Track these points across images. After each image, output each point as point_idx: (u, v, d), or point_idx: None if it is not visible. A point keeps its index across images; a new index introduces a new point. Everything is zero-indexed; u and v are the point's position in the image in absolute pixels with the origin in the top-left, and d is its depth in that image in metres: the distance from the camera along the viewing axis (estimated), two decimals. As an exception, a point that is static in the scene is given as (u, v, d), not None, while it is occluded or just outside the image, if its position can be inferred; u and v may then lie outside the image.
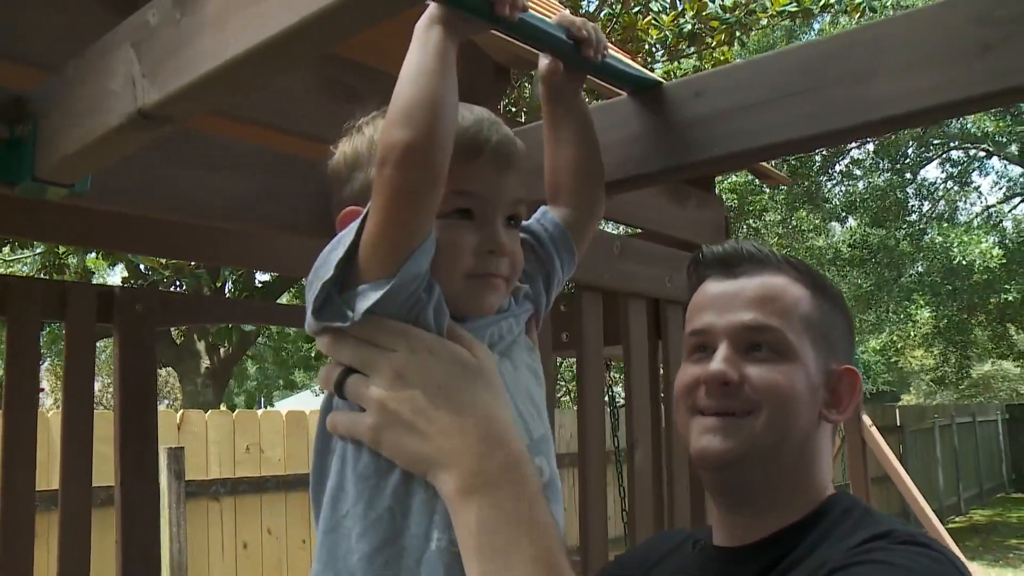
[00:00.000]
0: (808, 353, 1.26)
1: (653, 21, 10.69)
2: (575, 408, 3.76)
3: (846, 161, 19.26)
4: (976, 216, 19.22)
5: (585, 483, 2.84)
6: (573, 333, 2.90)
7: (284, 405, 20.09)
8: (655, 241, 3.13)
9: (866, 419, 6.33)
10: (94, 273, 11.98)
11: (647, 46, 11.16)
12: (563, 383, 14.17)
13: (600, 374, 3.01)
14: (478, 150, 1.10)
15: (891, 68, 1.28)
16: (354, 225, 1.02)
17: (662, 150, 1.55)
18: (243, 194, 1.74)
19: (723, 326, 1.26)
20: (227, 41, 1.02)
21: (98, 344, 3.71)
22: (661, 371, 3.20)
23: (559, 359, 7.87)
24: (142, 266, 10.33)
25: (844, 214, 19.76)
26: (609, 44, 1.46)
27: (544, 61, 1.34)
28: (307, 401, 21.56)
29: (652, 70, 10.61)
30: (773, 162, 13.37)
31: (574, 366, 5.87)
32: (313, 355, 10.82)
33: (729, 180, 14.62)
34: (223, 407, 10.57)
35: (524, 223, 1.21)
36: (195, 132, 1.71)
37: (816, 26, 17.35)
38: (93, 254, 10.07)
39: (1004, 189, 20.59)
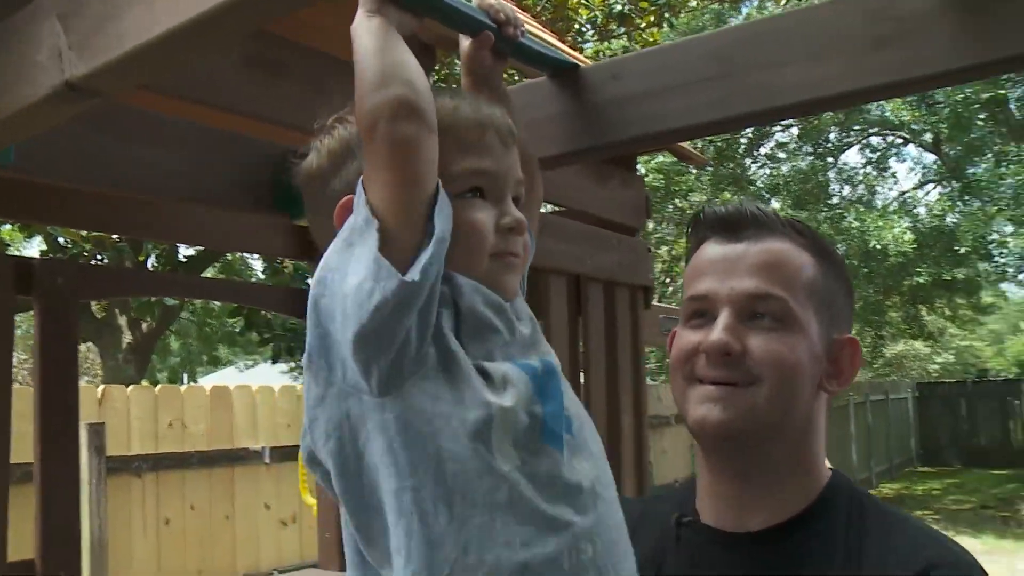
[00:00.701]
0: (812, 322, 1.22)
1: (583, 1, 10.76)
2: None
3: (771, 144, 19.64)
4: (892, 201, 19.78)
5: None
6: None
7: (208, 381, 19.82)
8: (576, 219, 3.20)
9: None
10: (9, 245, 11.67)
11: (577, 26, 11.24)
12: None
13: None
14: (483, 128, 1.10)
15: (796, 58, 1.36)
16: (352, 223, 1.00)
17: (580, 130, 1.61)
18: (173, 168, 1.75)
19: (725, 293, 1.21)
20: (156, 17, 1.04)
21: (16, 318, 3.64)
22: (581, 346, 3.27)
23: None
24: (61, 239, 10.10)
25: (768, 196, 20.18)
26: (538, 24, 1.50)
27: (466, 42, 1.32)
28: (231, 377, 21.31)
29: (581, 50, 10.68)
30: (699, 143, 13.54)
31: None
32: (237, 330, 10.68)
33: (656, 160, 14.79)
34: (145, 383, 10.40)
35: None
36: (124, 105, 1.71)
37: (744, 10, 17.62)
38: (8, 226, 9.81)
39: (919, 175, 21.26)
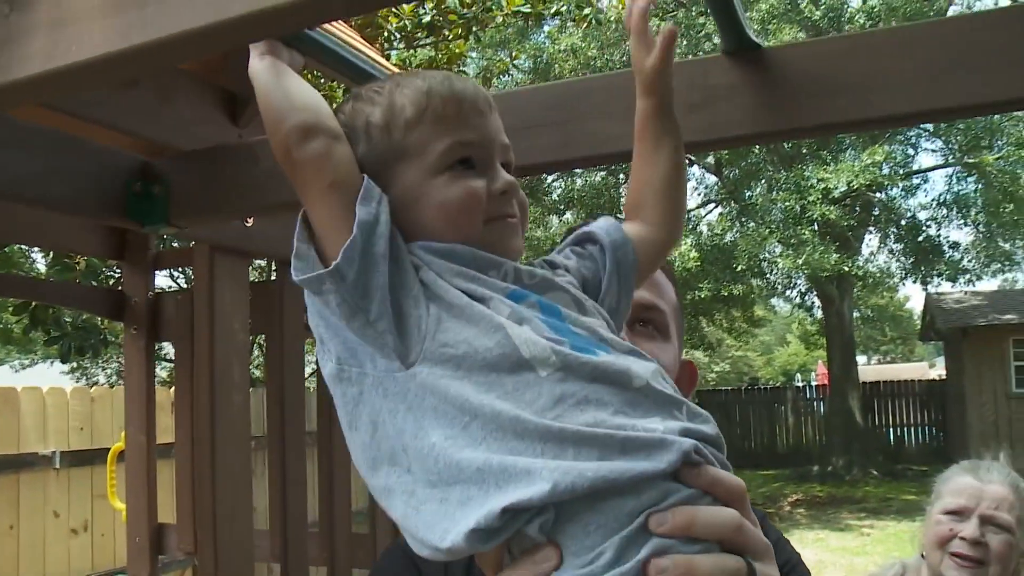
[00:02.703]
0: (675, 338, 1.39)
1: (394, 10, 10.84)
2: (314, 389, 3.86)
3: (567, 159, 20.35)
4: (677, 219, 20.93)
5: (330, 459, 3.01)
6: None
7: (-23, 381, 18.48)
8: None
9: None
10: None
11: (386, 33, 11.33)
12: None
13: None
14: (459, 100, 1.12)
15: (623, 112, 1.56)
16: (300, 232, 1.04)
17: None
18: (25, 172, 1.76)
19: None
20: (67, 48, 1.10)
21: None
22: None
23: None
24: None
25: (563, 208, 20.93)
26: (349, 29, 1.59)
27: (658, 48, 1.31)
28: (5, 377, 19.98)
29: (388, 57, 10.76)
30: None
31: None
32: (12, 328, 10.04)
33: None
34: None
35: (588, 228, 1.23)
36: (-25, 110, 1.71)
37: (546, 28, 18.21)
38: None
39: (702, 195, 22.57)
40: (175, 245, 5.98)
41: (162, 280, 13.66)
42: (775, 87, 1.54)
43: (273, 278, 3.26)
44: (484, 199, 1.09)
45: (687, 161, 1.27)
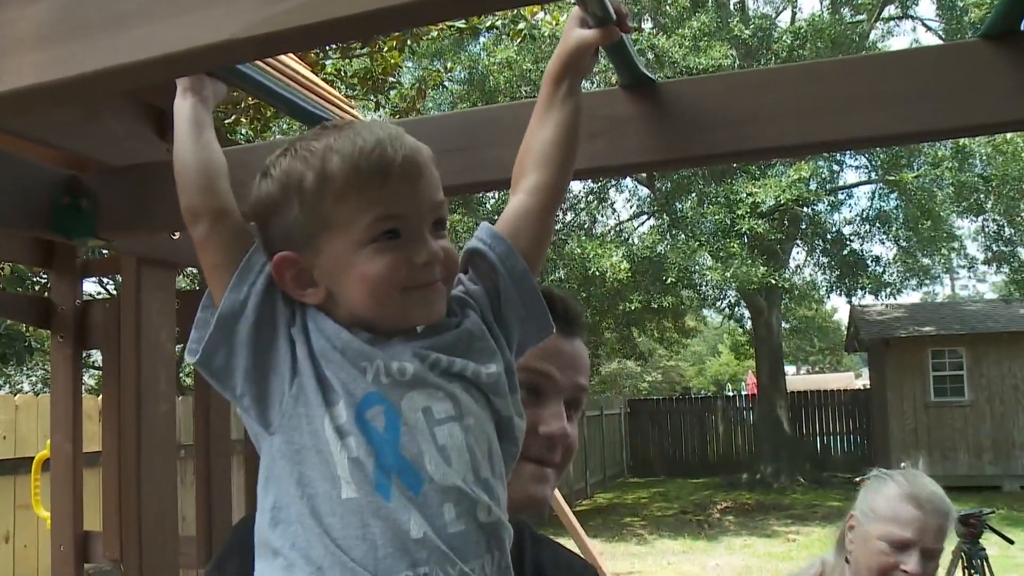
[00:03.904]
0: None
1: (328, 21, 10.86)
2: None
3: (501, 170, 20.43)
4: (610, 230, 21.24)
5: (253, 468, 3.07)
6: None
7: None
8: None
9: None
10: None
11: (321, 43, 11.31)
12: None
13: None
14: (386, 172, 1.13)
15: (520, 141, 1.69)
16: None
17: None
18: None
19: (566, 383, 1.41)
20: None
21: None
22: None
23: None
24: None
25: (495, 218, 21.00)
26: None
27: (579, 32, 1.37)
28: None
29: (323, 66, 10.80)
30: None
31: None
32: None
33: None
34: None
35: (472, 246, 1.26)
36: None
37: (481, 40, 18.34)
38: None
39: (634, 207, 22.88)
40: (104, 253, 5.96)
41: (92, 286, 13.44)
42: (665, 119, 1.68)
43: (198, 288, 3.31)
44: (406, 272, 1.12)
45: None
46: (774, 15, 20.56)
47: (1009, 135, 15.41)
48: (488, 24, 11.20)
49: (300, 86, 3.26)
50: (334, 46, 11.67)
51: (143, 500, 2.61)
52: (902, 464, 2.82)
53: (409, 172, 1.15)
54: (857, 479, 2.60)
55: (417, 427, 1.09)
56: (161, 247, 2.62)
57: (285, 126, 11.80)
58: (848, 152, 18.85)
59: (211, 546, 2.90)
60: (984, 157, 16.79)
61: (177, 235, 2.66)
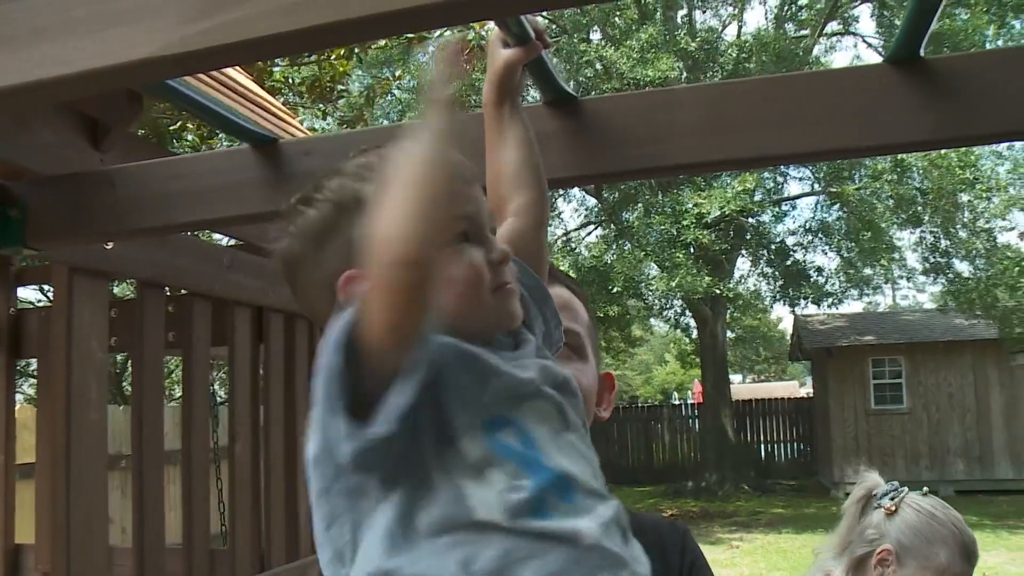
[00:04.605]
0: (592, 357, 1.44)
1: (275, 28, 10.81)
2: (175, 405, 3.91)
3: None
4: (558, 239, 21.35)
5: (190, 478, 3.07)
6: (180, 334, 3.10)
7: None
8: (262, 255, 3.43)
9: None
10: None
11: (268, 50, 11.26)
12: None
13: (206, 375, 3.25)
14: (455, 172, 1.06)
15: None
16: (337, 339, 0.96)
17: (277, 195, 1.89)
18: None
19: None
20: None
21: None
22: (261, 372, 3.50)
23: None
24: None
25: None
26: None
27: (504, 53, 1.40)
28: None
29: (271, 73, 10.75)
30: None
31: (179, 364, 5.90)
32: None
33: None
34: None
35: None
36: None
37: (431, 49, 18.35)
38: None
39: (582, 217, 23.03)
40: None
41: (31, 294, 13.18)
42: (585, 134, 1.73)
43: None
44: (488, 272, 1.09)
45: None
46: (720, 29, 20.88)
47: (944, 150, 15.78)
48: (437, 33, 11.22)
49: (241, 97, 3.29)
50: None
51: (72, 510, 2.59)
52: (924, 490, 2.56)
53: (466, 174, 1.14)
54: (885, 505, 2.28)
55: (548, 439, 1.07)
56: (93, 256, 2.62)
57: (230, 133, 11.66)
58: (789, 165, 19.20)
59: (142, 557, 2.90)
60: (921, 171, 17.18)
61: (111, 245, 2.66)
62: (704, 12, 20.66)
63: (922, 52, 1.65)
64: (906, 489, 2.32)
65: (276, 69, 11.40)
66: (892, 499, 2.28)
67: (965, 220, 18.07)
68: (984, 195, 17.51)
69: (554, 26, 18.56)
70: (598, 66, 17.53)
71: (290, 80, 11.48)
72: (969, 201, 17.66)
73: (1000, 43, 18.23)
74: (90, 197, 2.16)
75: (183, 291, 3.12)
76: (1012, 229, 18.39)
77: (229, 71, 3.24)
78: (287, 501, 3.51)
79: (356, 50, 11.69)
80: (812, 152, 1.69)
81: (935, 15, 1.54)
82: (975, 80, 1.62)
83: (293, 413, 3.54)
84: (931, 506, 2.27)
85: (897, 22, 17.96)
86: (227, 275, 3.16)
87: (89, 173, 2.16)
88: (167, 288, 3.07)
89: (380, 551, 0.97)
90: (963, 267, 18.94)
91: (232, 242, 3.96)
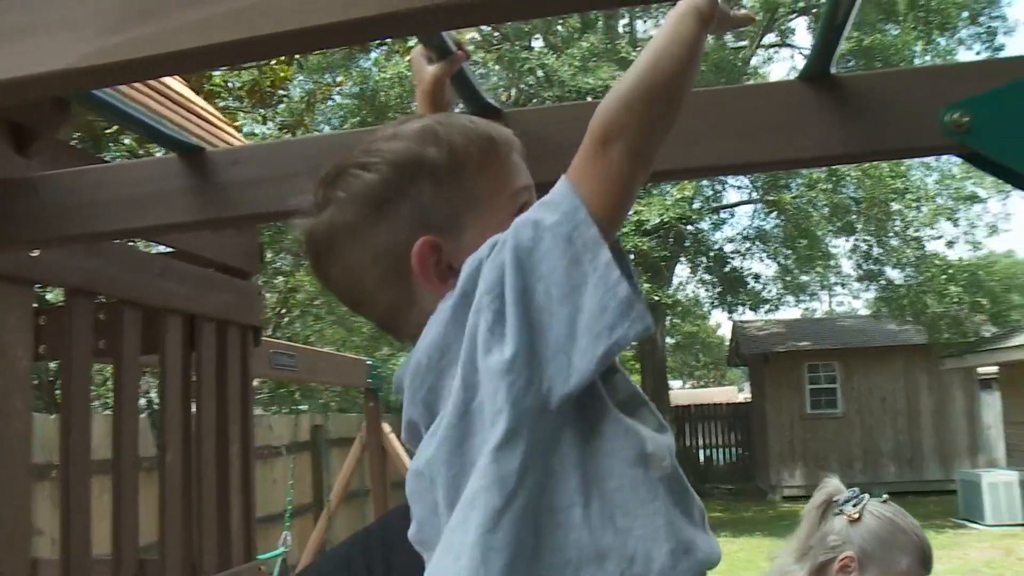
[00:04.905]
0: None
1: (213, 32, 10.71)
2: (107, 414, 3.86)
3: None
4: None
5: (119, 487, 3.03)
6: (111, 342, 3.07)
7: None
8: (193, 262, 3.41)
9: (386, 427, 6.95)
10: None
11: (208, 54, 11.13)
12: (95, 389, 13.44)
13: (136, 384, 3.22)
14: (511, 143, 1.12)
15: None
16: (571, 233, 0.96)
17: (207, 204, 1.89)
18: None
19: None
20: None
21: None
22: (193, 379, 3.47)
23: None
24: None
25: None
26: None
27: (429, 68, 1.43)
28: None
29: (210, 78, 10.63)
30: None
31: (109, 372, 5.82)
32: None
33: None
34: None
35: None
36: None
37: (372, 55, 18.32)
38: None
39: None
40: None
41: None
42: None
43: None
44: None
45: None
46: (660, 38, 21.09)
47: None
48: (378, 41, 11.20)
49: (176, 104, 3.27)
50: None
51: (-6, 521, 2.55)
52: (884, 497, 2.53)
53: (520, 146, 1.15)
54: (848, 512, 2.27)
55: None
56: (18, 263, 2.59)
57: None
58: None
59: (70, 570, 2.86)
60: (855, 180, 17.57)
61: (37, 252, 2.63)
62: (645, 22, 20.89)
63: (833, 70, 1.71)
64: (867, 495, 2.33)
65: (216, 73, 11.30)
66: (855, 506, 2.28)
67: (896, 229, 18.51)
68: (914, 204, 17.97)
69: (496, 33, 18.64)
70: (540, 73, 17.63)
71: (230, 84, 11.38)
72: (899, 210, 18.09)
73: (928, 59, 18.75)
74: (14, 204, 2.13)
75: (112, 299, 3.08)
76: (939, 238, 18.86)
77: (165, 79, 3.22)
78: (219, 510, 3.49)
79: (296, 56, 11.64)
80: (734, 165, 1.74)
81: (842, 35, 1.60)
82: (880, 98, 1.68)
83: (225, 419, 3.52)
84: (892, 513, 2.29)
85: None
86: (159, 283, 3.13)
87: (13, 180, 2.13)
88: (101, 296, 3.04)
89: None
90: (895, 274, 19.41)
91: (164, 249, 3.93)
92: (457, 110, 1.63)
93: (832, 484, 2.37)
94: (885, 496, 2.33)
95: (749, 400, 25.00)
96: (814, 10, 18.47)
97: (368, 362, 7.04)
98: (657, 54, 1.02)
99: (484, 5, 1.07)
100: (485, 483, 0.93)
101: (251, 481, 3.71)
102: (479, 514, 0.92)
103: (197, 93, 10.43)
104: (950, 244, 18.96)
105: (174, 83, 3.55)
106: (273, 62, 11.21)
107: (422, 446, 1.04)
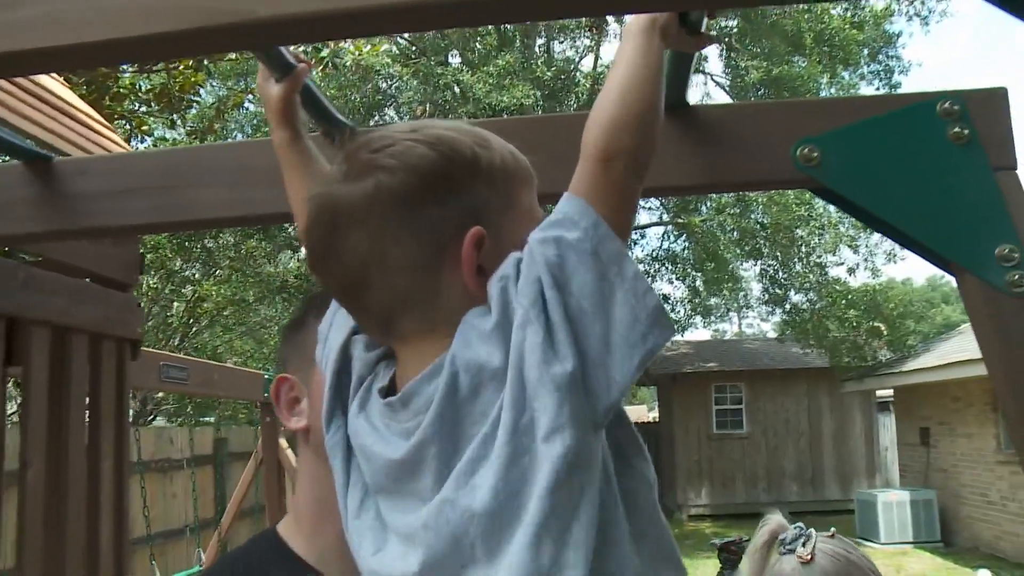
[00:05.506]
0: None
1: (119, 34, 10.45)
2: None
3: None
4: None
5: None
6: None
7: None
8: (66, 273, 3.28)
9: (283, 442, 6.83)
10: None
11: (113, 57, 10.84)
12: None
13: (2, 396, 3.08)
14: (532, 174, 1.15)
15: (218, 182, 1.71)
16: (598, 248, 0.97)
17: (52, 215, 1.83)
18: None
19: None
20: None
21: None
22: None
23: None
24: None
25: (298, 244, 20.72)
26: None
27: (275, 88, 1.42)
28: None
29: (118, 79, 10.37)
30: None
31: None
32: None
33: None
34: None
35: None
36: None
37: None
38: None
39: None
40: None
41: None
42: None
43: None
44: None
45: None
46: (577, 59, 21.34)
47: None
48: (291, 48, 11.07)
49: (53, 108, 3.15)
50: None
51: None
52: (831, 531, 2.30)
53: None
54: (800, 553, 2.12)
55: None
56: None
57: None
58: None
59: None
60: (762, 205, 17.97)
61: None
62: (562, 43, 21.09)
63: (689, 100, 1.73)
64: (812, 531, 2.17)
65: (125, 76, 11.03)
66: (804, 545, 2.13)
67: (800, 254, 18.97)
68: (817, 231, 18.44)
69: (413, 47, 18.61)
70: (456, 89, 17.65)
71: (138, 88, 11.12)
72: (803, 236, 18.55)
73: (833, 91, 19.31)
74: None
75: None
76: (841, 264, 19.39)
77: (41, 78, 3.11)
78: (88, 530, 3.36)
79: (206, 61, 11.43)
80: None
81: (691, 67, 1.62)
82: (736, 130, 1.71)
83: (97, 435, 3.39)
84: (845, 551, 2.14)
85: (743, 63, 18.79)
86: (22, 293, 3.00)
87: None
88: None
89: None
90: (799, 298, 19.88)
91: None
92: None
93: (775, 520, 2.24)
94: (832, 530, 2.21)
95: (657, 419, 25.30)
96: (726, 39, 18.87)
97: (266, 376, 6.90)
98: (635, 74, 1.07)
99: (303, 21, 1.04)
100: (553, 503, 0.95)
101: (124, 499, 3.58)
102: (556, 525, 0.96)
103: (103, 95, 10.18)
104: (851, 271, 19.50)
105: (52, 83, 3.42)
106: (182, 67, 11.02)
107: (452, 477, 1.00)
